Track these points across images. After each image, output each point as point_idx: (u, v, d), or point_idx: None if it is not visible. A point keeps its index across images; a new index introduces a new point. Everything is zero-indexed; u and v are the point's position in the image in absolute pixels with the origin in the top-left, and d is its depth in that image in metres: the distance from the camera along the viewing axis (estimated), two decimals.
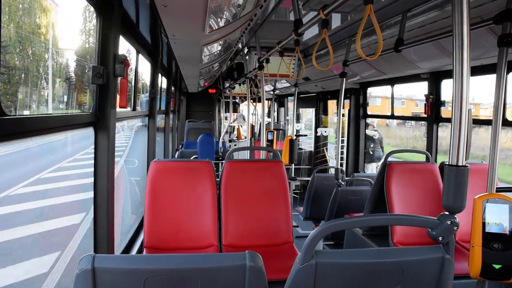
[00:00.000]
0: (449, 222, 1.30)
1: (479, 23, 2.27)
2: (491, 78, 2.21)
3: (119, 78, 2.21)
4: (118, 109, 2.33)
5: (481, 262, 1.64)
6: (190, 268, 1.22)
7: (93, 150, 2.17)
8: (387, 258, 1.31)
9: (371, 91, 5.95)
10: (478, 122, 3.67)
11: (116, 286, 1.19)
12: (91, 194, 2.15)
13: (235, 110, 11.86)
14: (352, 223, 1.60)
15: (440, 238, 1.31)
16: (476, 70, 3.24)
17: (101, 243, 2.17)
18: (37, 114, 1.69)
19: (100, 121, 2.12)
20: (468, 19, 1.29)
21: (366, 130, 6.22)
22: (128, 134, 8.51)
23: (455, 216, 1.32)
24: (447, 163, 1.36)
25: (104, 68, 2.03)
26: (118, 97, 2.29)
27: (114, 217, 2.25)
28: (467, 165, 1.34)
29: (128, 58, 2.19)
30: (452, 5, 1.30)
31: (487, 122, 3.59)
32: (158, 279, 1.19)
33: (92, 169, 2.17)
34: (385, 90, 5.07)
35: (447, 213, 1.34)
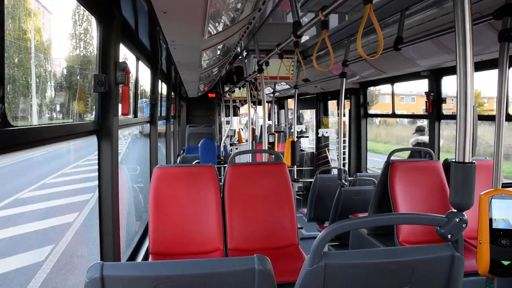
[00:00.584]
0: (457, 220, 1.30)
1: (479, 19, 2.27)
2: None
3: (120, 86, 2.21)
4: (120, 117, 2.33)
5: (489, 258, 1.63)
6: (199, 273, 1.21)
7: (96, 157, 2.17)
8: (396, 257, 1.30)
9: (380, 88, 5.87)
10: (483, 118, 3.66)
11: None
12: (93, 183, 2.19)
13: (235, 113, 11.87)
14: (360, 224, 1.59)
15: (449, 236, 1.30)
16: (477, 66, 3.23)
17: (107, 250, 2.16)
18: (41, 124, 1.69)
19: (103, 129, 2.12)
20: (470, 15, 1.29)
21: (418, 138, 5.88)
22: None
23: (463, 213, 1.32)
24: (453, 160, 1.36)
25: (106, 76, 2.03)
26: (119, 104, 2.29)
27: (119, 224, 2.25)
28: (473, 161, 1.33)
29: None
30: (454, 1, 1.30)
31: (491, 118, 3.58)
32: (167, 286, 1.19)
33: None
34: (395, 87, 4.98)
35: (455, 210, 1.33)
